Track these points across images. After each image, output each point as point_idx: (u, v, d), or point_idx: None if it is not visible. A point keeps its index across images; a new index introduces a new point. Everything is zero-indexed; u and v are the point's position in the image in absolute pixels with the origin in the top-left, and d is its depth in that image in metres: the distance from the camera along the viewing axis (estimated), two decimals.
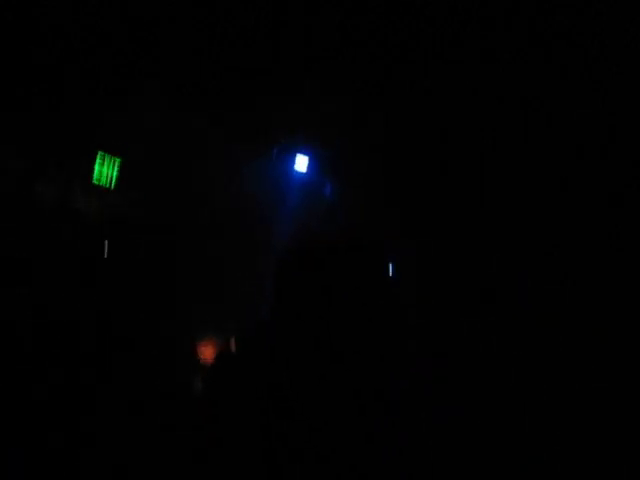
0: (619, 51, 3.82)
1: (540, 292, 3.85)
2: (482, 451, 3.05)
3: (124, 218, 4.88)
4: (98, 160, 4.77)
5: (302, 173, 5.48)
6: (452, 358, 3.71)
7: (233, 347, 3.85)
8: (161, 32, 4.53)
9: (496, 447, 3.09)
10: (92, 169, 4.80)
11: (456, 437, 3.05)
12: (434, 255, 4.46)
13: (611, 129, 3.95)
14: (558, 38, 3.94)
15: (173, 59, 4.69)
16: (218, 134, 4.99)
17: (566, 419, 3.27)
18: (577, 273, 3.83)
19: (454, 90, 4.67)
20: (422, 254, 4.51)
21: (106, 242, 4.52)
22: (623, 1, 3.69)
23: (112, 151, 4.82)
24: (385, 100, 5.02)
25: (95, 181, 4.93)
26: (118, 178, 4.93)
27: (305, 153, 5.30)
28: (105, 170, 4.84)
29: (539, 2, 3.97)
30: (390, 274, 3.99)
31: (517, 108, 4.33)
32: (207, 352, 4.39)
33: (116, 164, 4.86)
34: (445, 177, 4.88)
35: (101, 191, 4.88)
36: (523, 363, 3.57)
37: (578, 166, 4.05)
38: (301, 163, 5.43)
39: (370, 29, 4.68)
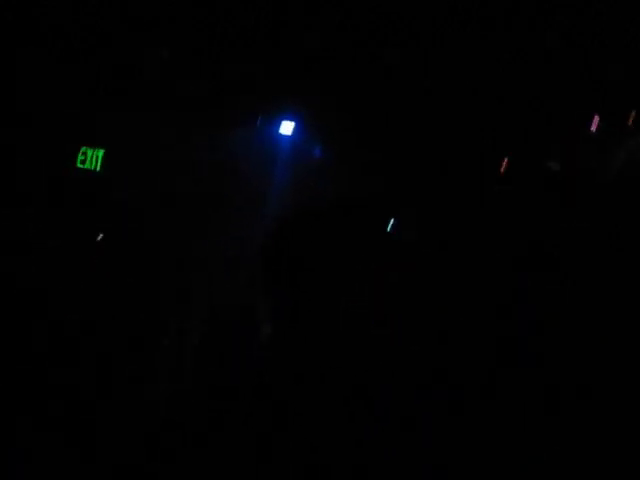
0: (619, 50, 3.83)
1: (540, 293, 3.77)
2: (478, 456, 3.07)
3: (112, 202, 4.86)
4: (80, 157, 4.73)
5: (288, 137, 5.37)
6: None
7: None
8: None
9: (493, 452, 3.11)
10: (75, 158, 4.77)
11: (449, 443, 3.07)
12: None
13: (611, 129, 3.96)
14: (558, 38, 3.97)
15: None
16: (200, 108, 4.89)
17: (565, 420, 3.24)
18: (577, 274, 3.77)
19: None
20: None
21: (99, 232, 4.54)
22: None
23: (94, 144, 4.78)
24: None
25: (79, 164, 4.89)
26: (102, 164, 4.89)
27: (291, 119, 5.18)
28: (88, 162, 4.81)
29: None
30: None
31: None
32: None
33: (99, 156, 4.81)
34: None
35: (87, 175, 4.84)
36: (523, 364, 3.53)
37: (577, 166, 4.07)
38: (287, 127, 5.31)
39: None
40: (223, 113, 5.06)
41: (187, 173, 5.10)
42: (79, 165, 4.85)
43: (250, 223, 4.99)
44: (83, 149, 4.79)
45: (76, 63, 4.64)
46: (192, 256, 4.68)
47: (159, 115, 4.94)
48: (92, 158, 4.84)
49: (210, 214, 5.03)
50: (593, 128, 4.18)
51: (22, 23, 4.36)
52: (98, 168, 4.89)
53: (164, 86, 4.95)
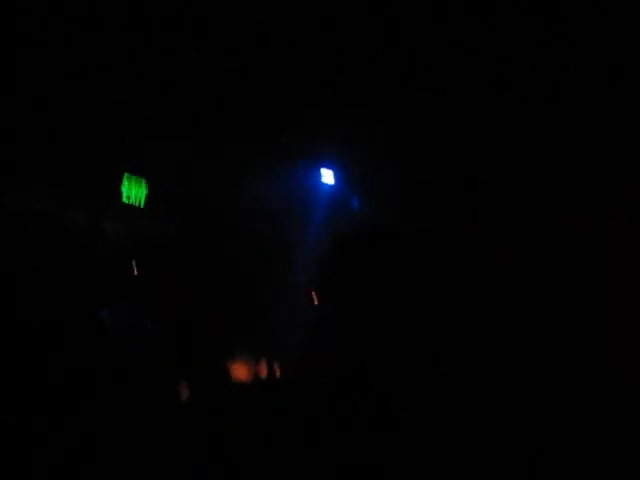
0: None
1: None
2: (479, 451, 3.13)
3: (153, 236, 4.96)
4: (125, 182, 4.88)
5: (329, 186, 5.48)
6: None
7: (265, 369, 3.94)
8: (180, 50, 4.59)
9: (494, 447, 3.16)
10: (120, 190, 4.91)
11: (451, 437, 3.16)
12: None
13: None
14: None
15: (195, 78, 4.73)
16: (244, 151, 5.02)
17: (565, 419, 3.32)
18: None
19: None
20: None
21: (134, 261, 4.59)
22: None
23: (138, 173, 4.92)
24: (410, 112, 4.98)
25: (125, 200, 5.02)
26: (146, 198, 5.02)
27: (330, 167, 5.30)
28: (133, 191, 4.94)
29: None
30: None
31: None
32: (240, 372, 4.40)
33: (142, 185, 4.95)
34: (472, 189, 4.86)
35: (131, 210, 4.96)
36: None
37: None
38: (327, 176, 5.43)
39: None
40: (264, 160, 5.21)
41: (227, 219, 5.21)
42: (125, 201, 5.00)
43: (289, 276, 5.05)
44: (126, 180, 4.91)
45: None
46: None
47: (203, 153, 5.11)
48: (135, 196, 4.99)
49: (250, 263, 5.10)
50: None
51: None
52: (142, 205, 5.04)
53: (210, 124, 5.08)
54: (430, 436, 3.23)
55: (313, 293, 4.74)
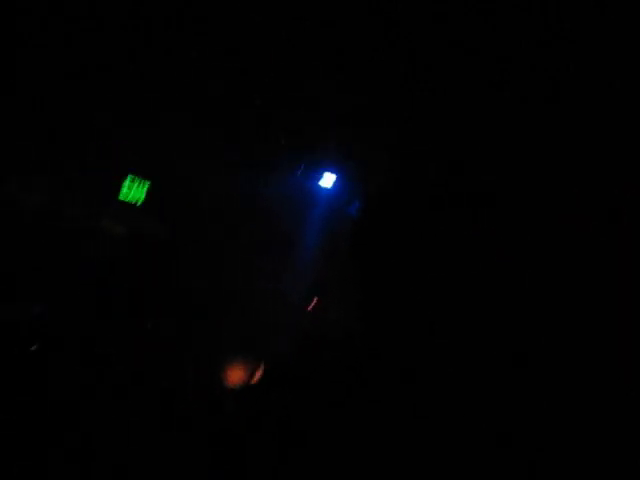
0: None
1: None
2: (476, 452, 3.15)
3: (148, 234, 4.90)
4: (127, 182, 4.80)
5: (327, 189, 5.45)
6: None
7: (261, 372, 3.90)
8: (183, 55, 4.54)
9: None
10: (120, 188, 4.83)
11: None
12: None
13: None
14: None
15: (198, 83, 4.68)
16: (245, 153, 4.98)
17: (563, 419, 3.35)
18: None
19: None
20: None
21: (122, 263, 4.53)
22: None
23: (142, 173, 4.84)
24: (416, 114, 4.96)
25: (122, 197, 4.94)
26: (146, 198, 4.95)
27: (333, 171, 5.26)
28: (134, 191, 4.87)
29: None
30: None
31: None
32: (235, 376, 4.37)
33: (145, 186, 4.87)
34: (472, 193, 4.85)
35: (127, 208, 4.89)
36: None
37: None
38: (327, 180, 5.40)
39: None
40: (264, 164, 5.16)
41: (226, 219, 5.16)
42: (121, 198, 4.92)
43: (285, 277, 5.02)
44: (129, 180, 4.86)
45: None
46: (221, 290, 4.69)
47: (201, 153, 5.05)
48: (134, 196, 4.91)
49: (242, 256, 5.06)
50: None
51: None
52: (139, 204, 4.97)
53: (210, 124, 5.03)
54: (429, 435, 3.23)
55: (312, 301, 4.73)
